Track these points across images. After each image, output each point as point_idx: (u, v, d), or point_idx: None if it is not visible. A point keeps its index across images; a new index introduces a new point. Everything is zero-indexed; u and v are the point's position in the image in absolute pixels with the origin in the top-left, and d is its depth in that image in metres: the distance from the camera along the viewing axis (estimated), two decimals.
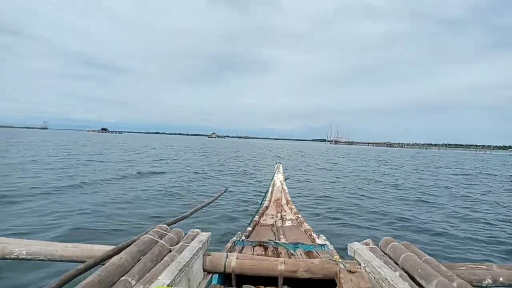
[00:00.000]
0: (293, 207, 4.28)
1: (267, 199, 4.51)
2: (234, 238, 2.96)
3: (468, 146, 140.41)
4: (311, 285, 1.91)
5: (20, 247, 1.70)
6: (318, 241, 3.06)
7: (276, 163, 5.43)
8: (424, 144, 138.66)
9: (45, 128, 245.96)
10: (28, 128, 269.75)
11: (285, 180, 5.04)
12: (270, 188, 4.77)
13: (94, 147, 29.60)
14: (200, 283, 1.83)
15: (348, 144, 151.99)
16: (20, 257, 1.68)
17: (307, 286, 1.92)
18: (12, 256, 1.68)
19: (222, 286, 1.87)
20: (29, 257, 1.68)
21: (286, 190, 4.77)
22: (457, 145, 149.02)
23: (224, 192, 4.03)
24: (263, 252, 2.68)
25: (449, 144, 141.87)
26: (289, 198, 4.56)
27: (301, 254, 2.59)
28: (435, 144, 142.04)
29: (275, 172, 5.18)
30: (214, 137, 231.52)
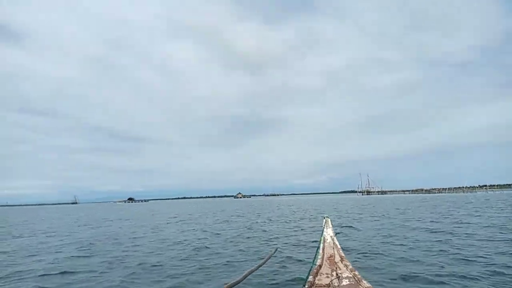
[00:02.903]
0: (348, 263, 4.02)
1: (319, 257, 4.25)
2: None
3: None
4: None
5: None
6: None
7: (324, 217, 5.17)
8: (468, 187, 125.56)
9: (75, 203, 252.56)
10: (60, 204, 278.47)
11: (336, 235, 4.83)
12: (321, 245, 4.56)
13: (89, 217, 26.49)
14: None
15: (381, 194, 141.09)
16: None
17: None
18: None
19: None
20: None
21: (339, 246, 4.53)
22: (503, 185, 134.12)
23: (275, 252, 4.08)
24: None
25: (496, 185, 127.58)
26: (343, 255, 4.32)
27: None
28: (480, 186, 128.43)
29: (324, 227, 4.94)
30: (240, 197, 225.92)
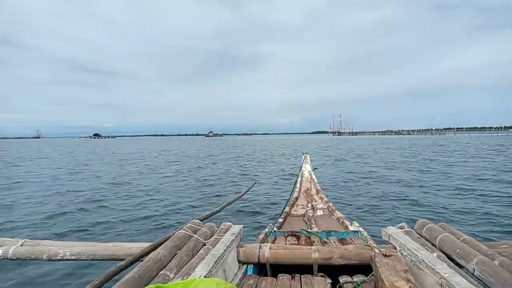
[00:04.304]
0: (323, 196, 4.19)
1: (296, 189, 4.39)
2: (266, 230, 2.81)
3: (483, 129, 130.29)
4: (347, 271, 1.86)
5: (64, 248, 1.76)
6: (351, 228, 2.91)
7: (303, 154, 5.26)
8: (437, 129, 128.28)
9: (37, 137, 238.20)
10: (21, 138, 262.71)
11: (313, 170, 4.95)
12: (299, 179, 4.69)
13: None
14: (236, 273, 1.85)
15: (352, 135, 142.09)
16: (65, 258, 1.74)
17: (342, 273, 1.87)
18: (57, 258, 1.74)
19: (258, 276, 1.85)
20: (73, 257, 1.75)
21: (315, 180, 4.67)
22: (470, 128, 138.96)
23: (253, 186, 4.01)
24: (296, 242, 2.56)
25: (463, 128, 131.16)
26: (319, 188, 4.45)
27: (334, 242, 2.49)
28: (449, 128, 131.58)
29: (302, 163, 5.06)
30: (211, 136, 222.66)
